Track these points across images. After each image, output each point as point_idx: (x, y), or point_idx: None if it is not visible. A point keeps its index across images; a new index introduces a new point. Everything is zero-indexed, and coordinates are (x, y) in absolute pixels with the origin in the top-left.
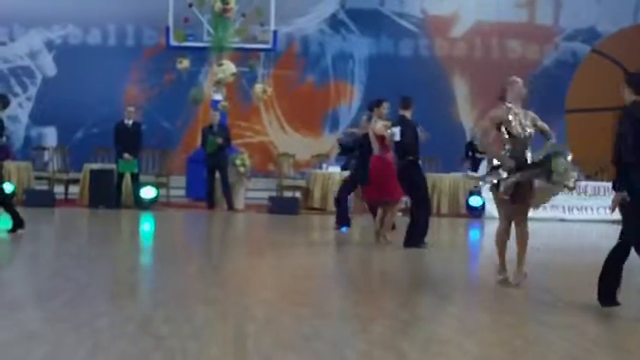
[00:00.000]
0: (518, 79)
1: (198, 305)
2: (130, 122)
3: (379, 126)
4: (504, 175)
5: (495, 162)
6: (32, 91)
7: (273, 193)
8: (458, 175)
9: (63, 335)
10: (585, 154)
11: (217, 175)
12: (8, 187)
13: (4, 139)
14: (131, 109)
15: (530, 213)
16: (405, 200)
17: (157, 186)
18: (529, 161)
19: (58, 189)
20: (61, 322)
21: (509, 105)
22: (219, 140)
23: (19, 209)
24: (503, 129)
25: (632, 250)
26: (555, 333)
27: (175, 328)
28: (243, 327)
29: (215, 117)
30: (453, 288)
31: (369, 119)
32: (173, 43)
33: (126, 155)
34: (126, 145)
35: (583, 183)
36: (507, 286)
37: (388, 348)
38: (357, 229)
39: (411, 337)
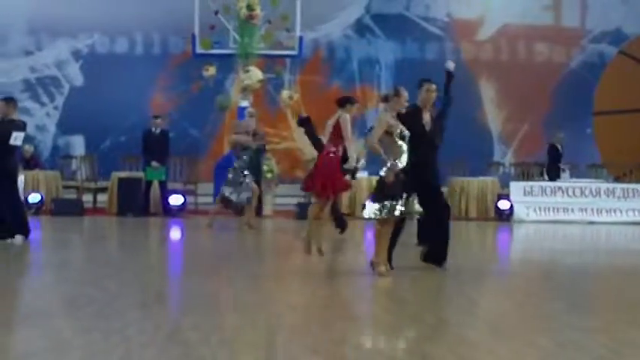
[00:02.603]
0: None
1: (228, 312)
2: (158, 130)
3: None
4: None
5: None
6: (59, 100)
7: (301, 199)
8: (486, 178)
9: (93, 344)
10: (613, 156)
11: None
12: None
13: (32, 147)
14: (158, 120)
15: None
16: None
17: (185, 193)
18: None
19: (87, 197)
20: (91, 330)
21: None
22: (254, 146)
23: (48, 218)
24: None
25: None
26: (586, 336)
27: (205, 335)
28: (273, 333)
29: (250, 123)
30: (480, 291)
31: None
32: (199, 50)
33: (154, 163)
34: (154, 153)
35: (612, 185)
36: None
37: (416, 352)
38: None
39: (439, 341)
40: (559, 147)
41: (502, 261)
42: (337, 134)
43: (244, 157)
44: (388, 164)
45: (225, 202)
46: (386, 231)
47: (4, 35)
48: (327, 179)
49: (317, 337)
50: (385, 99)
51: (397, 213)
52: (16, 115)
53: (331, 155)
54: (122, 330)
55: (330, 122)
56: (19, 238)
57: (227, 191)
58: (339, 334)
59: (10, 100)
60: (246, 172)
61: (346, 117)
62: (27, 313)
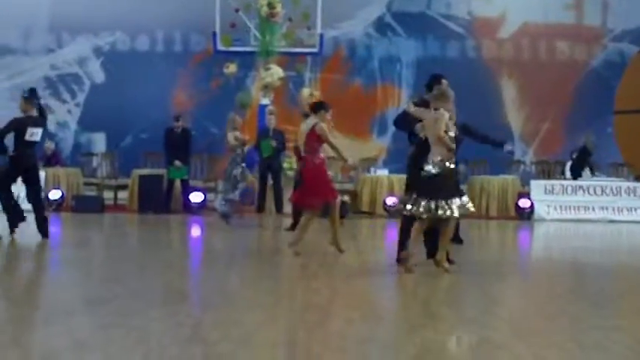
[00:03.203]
0: None
1: (249, 310)
2: (180, 129)
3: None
4: None
5: None
6: (81, 97)
7: None
8: (507, 177)
9: (114, 342)
10: (635, 154)
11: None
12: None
13: (53, 144)
14: (178, 123)
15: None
16: None
17: (206, 190)
18: None
19: (108, 194)
20: (113, 328)
21: None
22: (274, 144)
23: (68, 215)
24: None
25: None
26: (609, 336)
27: (226, 333)
28: (294, 331)
29: (271, 121)
30: (501, 290)
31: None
32: (220, 48)
33: (176, 162)
34: (176, 151)
35: (632, 184)
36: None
37: (439, 352)
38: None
39: (461, 340)
40: (589, 148)
41: (523, 260)
42: (314, 141)
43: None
44: (439, 163)
45: (235, 205)
46: (422, 229)
47: (25, 33)
48: (318, 189)
49: (339, 335)
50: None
51: (440, 212)
52: (34, 112)
53: (317, 162)
54: (143, 328)
55: (304, 129)
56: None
57: (231, 195)
58: (360, 332)
59: (28, 97)
60: (239, 168)
61: (322, 126)
62: (48, 311)
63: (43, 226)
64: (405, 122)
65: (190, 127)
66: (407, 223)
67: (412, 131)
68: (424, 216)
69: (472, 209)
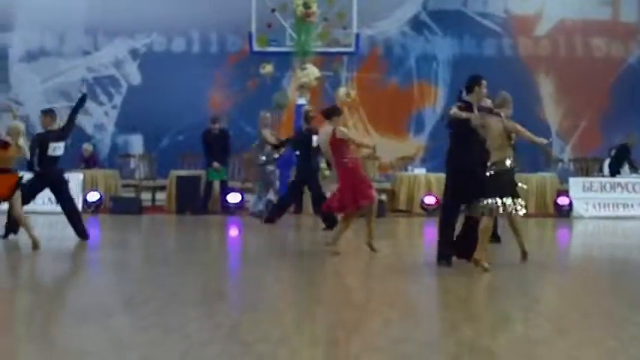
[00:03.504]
0: None
1: (287, 310)
2: (217, 130)
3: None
4: None
5: None
6: (118, 99)
7: None
8: (545, 174)
9: (152, 342)
10: None
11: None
12: (94, 196)
13: (90, 146)
14: (216, 125)
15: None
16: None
17: (243, 191)
18: None
19: (145, 196)
20: (151, 328)
21: None
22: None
23: (106, 216)
24: None
25: None
26: None
27: (265, 333)
28: (333, 330)
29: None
30: (540, 288)
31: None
32: (256, 48)
33: (215, 164)
34: (214, 153)
35: None
36: None
37: (478, 350)
38: None
39: (500, 338)
40: (629, 145)
41: (562, 257)
42: (340, 146)
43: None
44: (507, 162)
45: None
46: (490, 227)
47: (62, 36)
48: (354, 192)
49: (378, 335)
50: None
51: (509, 210)
52: (55, 126)
53: (350, 165)
54: (181, 328)
55: (324, 138)
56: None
57: (270, 195)
58: (399, 331)
59: (47, 112)
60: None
61: (341, 129)
62: (87, 312)
63: (83, 235)
64: (460, 125)
65: (228, 128)
66: (449, 222)
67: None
68: (491, 214)
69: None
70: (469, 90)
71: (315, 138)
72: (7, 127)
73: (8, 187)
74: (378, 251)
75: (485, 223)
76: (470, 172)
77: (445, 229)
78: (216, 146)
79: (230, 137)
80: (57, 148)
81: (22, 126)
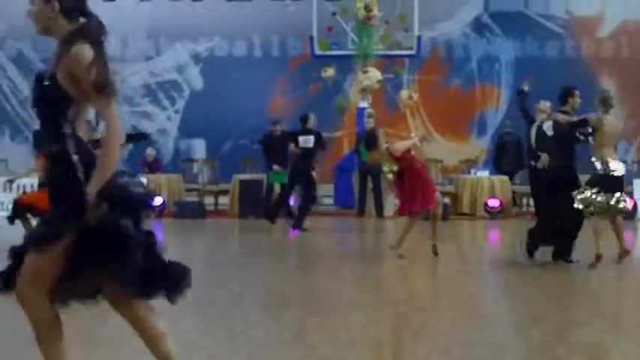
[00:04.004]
0: None
1: (352, 312)
2: (278, 132)
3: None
4: None
5: None
6: (180, 104)
7: None
8: None
9: (218, 345)
10: None
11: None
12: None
13: (154, 151)
14: (276, 127)
15: None
16: None
17: None
18: None
19: (208, 200)
20: (217, 331)
21: None
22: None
23: (170, 221)
24: None
25: None
26: None
27: (329, 336)
28: (399, 333)
29: (369, 124)
30: (605, 290)
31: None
32: (318, 52)
33: (275, 167)
34: (275, 156)
35: None
36: None
37: (545, 353)
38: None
39: (568, 341)
40: None
41: (626, 259)
42: (403, 157)
43: None
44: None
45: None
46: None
47: (124, 41)
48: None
49: (444, 338)
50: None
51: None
52: (97, 135)
53: (416, 167)
54: (246, 331)
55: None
56: None
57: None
58: (466, 334)
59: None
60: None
61: (396, 148)
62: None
63: None
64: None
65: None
66: (550, 222)
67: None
68: (601, 210)
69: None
70: (563, 101)
71: (302, 139)
72: None
73: None
74: (438, 255)
75: (595, 222)
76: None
77: (544, 224)
78: (277, 149)
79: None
80: None
81: None
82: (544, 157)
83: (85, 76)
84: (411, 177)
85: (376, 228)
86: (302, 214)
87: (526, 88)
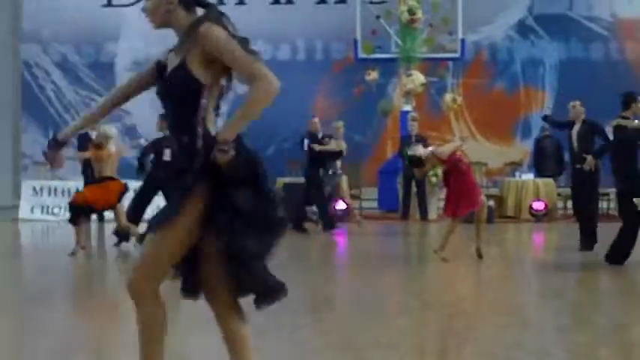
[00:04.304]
0: None
1: (397, 316)
2: (320, 135)
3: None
4: None
5: None
6: (224, 107)
7: None
8: None
9: (266, 349)
10: None
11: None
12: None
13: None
14: (315, 119)
15: None
16: None
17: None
18: None
19: None
20: (263, 335)
21: None
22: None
23: None
24: None
25: None
26: None
27: (374, 338)
28: (444, 337)
29: (413, 127)
30: None
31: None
32: (361, 55)
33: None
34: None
35: None
36: None
37: (590, 356)
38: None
39: (612, 344)
40: None
41: None
42: (449, 159)
43: None
44: None
45: None
46: None
47: (167, 44)
48: (464, 196)
49: (488, 341)
50: None
51: None
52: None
53: (462, 169)
54: (292, 334)
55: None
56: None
57: None
58: (511, 338)
59: (164, 117)
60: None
61: (440, 151)
62: (204, 319)
63: None
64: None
65: (331, 135)
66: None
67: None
68: None
69: None
70: (626, 106)
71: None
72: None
73: (114, 194)
74: (483, 258)
75: None
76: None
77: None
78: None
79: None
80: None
81: (110, 130)
82: (589, 159)
83: (224, 45)
84: (457, 179)
85: (420, 231)
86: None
87: (548, 112)
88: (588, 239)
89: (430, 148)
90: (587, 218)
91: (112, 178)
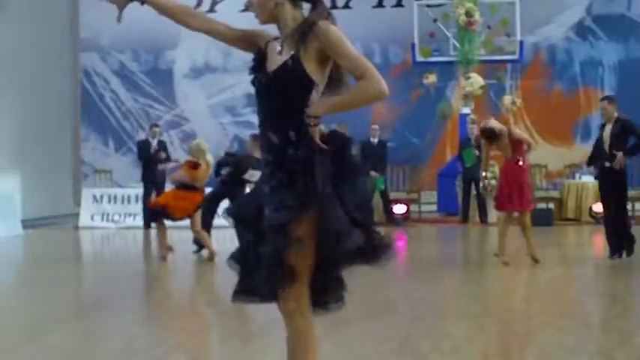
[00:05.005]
0: None
1: (458, 320)
2: (376, 140)
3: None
4: None
5: None
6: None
7: None
8: None
9: (326, 353)
10: None
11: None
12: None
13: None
14: (375, 126)
15: None
16: None
17: (408, 202)
18: None
19: None
20: (323, 339)
21: None
22: (477, 153)
23: None
24: None
25: None
26: None
27: (436, 344)
28: (505, 341)
29: (472, 130)
30: None
31: None
32: (419, 59)
33: (372, 173)
34: (372, 163)
35: None
36: None
37: None
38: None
39: None
40: None
41: None
42: (516, 147)
43: None
44: None
45: None
46: None
47: (226, 51)
48: (516, 194)
49: (550, 345)
50: None
51: None
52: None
53: (519, 165)
54: (353, 340)
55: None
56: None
57: None
58: (571, 341)
59: (256, 138)
60: None
61: (518, 132)
62: (260, 324)
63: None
64: None
65: (387, 139)
66: None
67: None
68: None
69: None
70: None
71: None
72: (188, 147)
73: (193, 205)
74: (540, 261)
75: None
76: None
77: None
78: (374, 156)
79: (388, 148)
80: (253, 176)
81: (203, 143)
82: (619, 156)
83: (343, 43)
84: (513, 175)
85: (480, 234)
86: None
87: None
88: (619, 242)
89: (505, 127)
90: (619, 222)
91: (196, 188)
